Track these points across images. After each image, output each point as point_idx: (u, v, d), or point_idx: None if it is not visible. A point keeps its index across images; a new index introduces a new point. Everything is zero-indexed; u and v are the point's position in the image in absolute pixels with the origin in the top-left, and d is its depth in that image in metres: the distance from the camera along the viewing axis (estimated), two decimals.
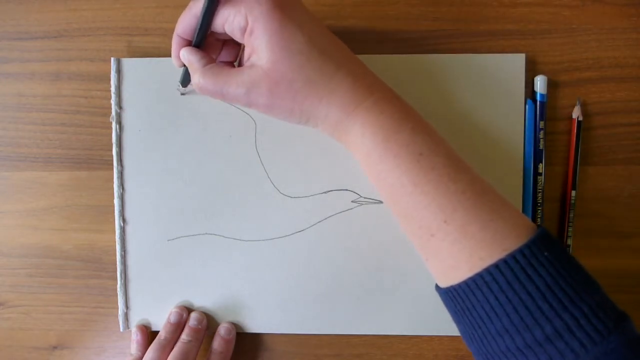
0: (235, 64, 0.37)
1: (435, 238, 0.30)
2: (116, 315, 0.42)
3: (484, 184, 0.31)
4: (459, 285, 0.30)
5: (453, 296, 0.31)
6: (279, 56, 0.31)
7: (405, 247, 0.40)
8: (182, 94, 0.41)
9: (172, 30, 0.41)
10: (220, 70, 0.33)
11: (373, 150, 0.31)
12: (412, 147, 0.31)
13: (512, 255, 0.28)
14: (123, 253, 0.41)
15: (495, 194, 0.31)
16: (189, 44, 0.34)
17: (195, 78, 0.34)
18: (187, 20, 0.33)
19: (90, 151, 0.42)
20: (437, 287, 0.34)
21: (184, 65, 0.35)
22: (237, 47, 0.36)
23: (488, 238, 0.29)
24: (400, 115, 0.32)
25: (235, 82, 0.32)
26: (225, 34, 0.33)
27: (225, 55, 0.36)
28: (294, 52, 0.31)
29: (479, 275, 0.29)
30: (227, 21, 0.32)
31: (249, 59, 0.32)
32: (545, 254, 0.28)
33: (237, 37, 0.32)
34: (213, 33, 0.33)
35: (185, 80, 0.38)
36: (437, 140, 0.32)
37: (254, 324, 0.41)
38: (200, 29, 0.33)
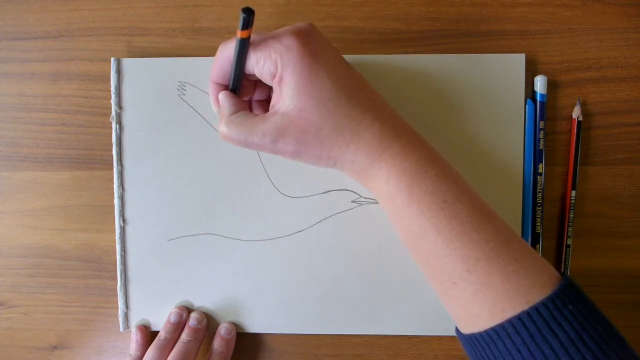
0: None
1: (457, 287, 0.30)
2: (116, 315, 0.42)
3: (508, 232, 0.31)
4: (480, 334, 0.30)
5: (474, 344, 0.31)
6: (307, 104, 0.31)
7: (405, 248, 0.40)
8: None
9: (172, 30, 0.41)
10: (245, 119, 0.33)
11: (397, 196, 0.31)
12: (437, 194, 0.30)
13: (535, 308, 0.28)
14: (123, 253, 0.41)
15: (519, 243, 0.30)
16: (224, 88, 0.34)
17: (220, 126, 0.33)
18: (219, 66, 0.33)
19: (90, 151, 0.42)
20: (457, 330, 0.33)
21: None
22: (269, 86, 0.36)
23: (511, 289, 0.28)
24: (425, 161, 0.31)
25: (260, 131, 0.32)
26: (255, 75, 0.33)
27: (259, 95, 0.36)
28: (323, 99, 0.31)
29: (501, 326, 0.28)
30: (257, 65, 0.32)
31: (274, 105, 0.32)
32: (570, 307, 0.28)
33: (267, 81, 0.32)
34: (245, 75, 0.33)
35: None
36: (461, 187, 0.31)
37: (254, 324, 0.41)
38: (234, 74, 0.33)
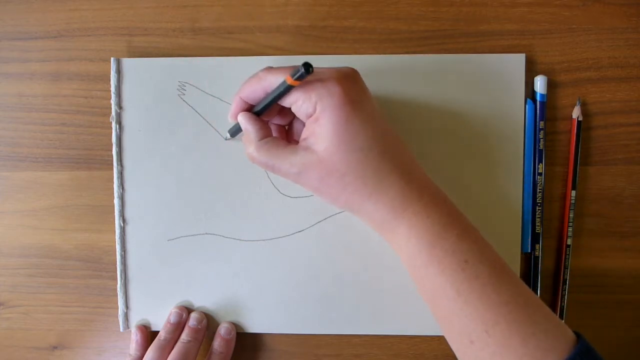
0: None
1: (475, 346, 0.30)
2: (116, 315, 0.42)
3: (527, 293, 0.31)
4: None
5: None
6: (338, 150, 0.31)
7: None
8: (227, 139, 0.41)
9: (172, 30, 0.41)
10: (274, 146, 0.33)
11: (418, 254, 0.32)
12: (458, 254, 0.31)
13: None
14: (123, 253, 0.41)
15: (537, 305, 0.31)
16: (249, 107, 0.35)
17: (250, 149, 0.34)
18: (254, 89, 0.33)
19: (90, 151, 0.42)
20: None
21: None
22: (292, 115, 0.36)
23: (529, 353, 0.29)
24: (447, 220, 0.32)
25: (289, 161, 0.32)
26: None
27: (279, 120, 0.36)
28: (354, 148, 0.31)
29: None
30: (296, 104, 0.32)
31: (306, 139, 0.32)
32: None
33: (301, 117, 0.33)
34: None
35: (236, 132, 0.39)
36: (482, 247, 0.32)
37: (254, 324, 0.41)
38: (266, 103, 0.33)
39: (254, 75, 0.34)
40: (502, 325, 0.29)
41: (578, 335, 0.30)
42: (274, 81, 0.32)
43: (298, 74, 0.30)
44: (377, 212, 0.32)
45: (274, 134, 0.37)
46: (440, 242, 0.31)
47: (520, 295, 0.30)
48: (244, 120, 0.34)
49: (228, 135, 0.40)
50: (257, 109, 0.34)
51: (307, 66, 0.29)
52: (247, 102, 0.34)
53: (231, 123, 0.38)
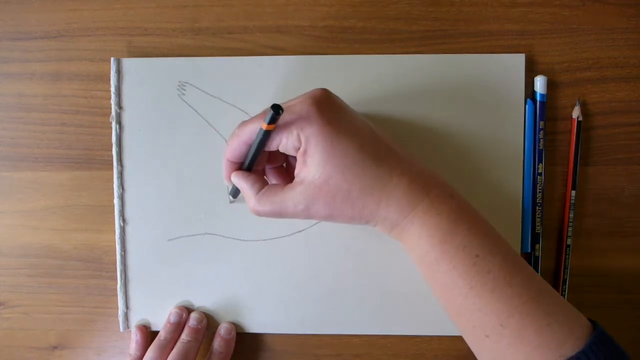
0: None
1: (490, 339, 0.30)
2: (116, 315, 0.42)
3: (539, 283, 0.31)
4: None
5: None
6: (333, 172, 0.31)
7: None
8: (231, 202, 0.41)
9: (172, 30, 0.41)
10: (273, 194, 0.33)
11: (429, 252, 0.32)
12: (469, 249, 0.31)
13: None
14: (123, 253, 0.41)
15: (551, 294, 0.31)
16: (239, 165, 0.35)
17: (251, 204, 0.34)
18: (236, 147, 0.34)
19: (90, 151, 0.42)
20: None
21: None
22: (282, 155, 0.36)
23: (544, 343, 0.29)
24: (456, 215, 0.32)
25: (292, 201, 0.32)
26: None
27: (272, 162, 0.37)
28: (348, 165, 0.31)
29: None
30: (281, 144, 0.32)
31: (299, 173, 0.32)
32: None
33: (291, 154, 0.33)
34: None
35: (237, 192, 0.39)
36: (493, 239, 0.32)
37: (254, 324, 0.41)
38: (252, 156, 0.34)
39: (232, 134, 0.34)
40: (516, 317, 0.29)
41: (594, 323, 0.30)
42: (252, 131, 0.32)
43: (269, 118, 0.30)
44: (389, 217, 0.32)
45: (274, 178, 0.37)
46: (451, 237, 0.31)
47: (534, 286, 0.30)
48: (236, 180, 0.35)
49: (231, 198, 0.40)
50: (246, 164, 0.34)
51: (276, 108, 0.30)
52: (235, 161, 0.35)
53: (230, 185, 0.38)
